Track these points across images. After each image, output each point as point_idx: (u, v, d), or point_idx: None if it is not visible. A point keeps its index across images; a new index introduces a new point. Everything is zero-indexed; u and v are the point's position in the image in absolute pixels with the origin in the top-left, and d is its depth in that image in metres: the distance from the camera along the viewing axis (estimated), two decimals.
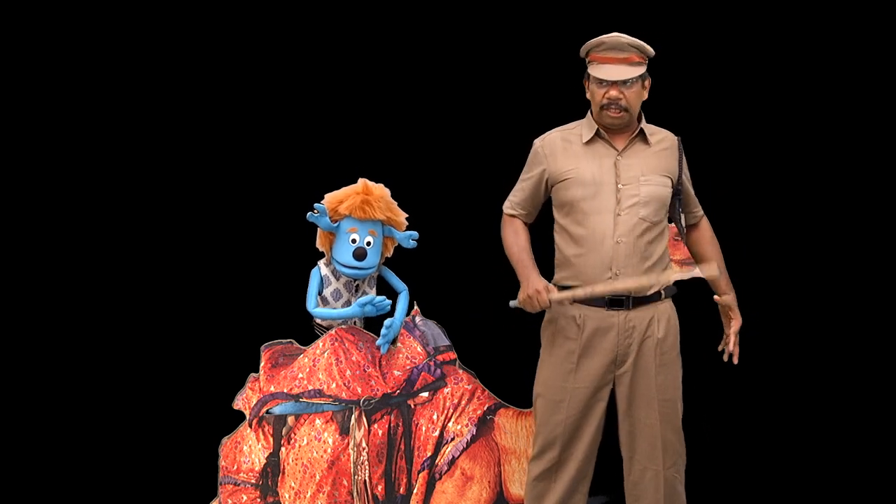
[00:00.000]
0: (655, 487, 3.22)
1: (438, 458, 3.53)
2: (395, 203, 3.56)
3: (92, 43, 4.37)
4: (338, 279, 3.57)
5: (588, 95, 3.24)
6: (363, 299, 3.48)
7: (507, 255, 3.33)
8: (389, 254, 3.61)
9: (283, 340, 3.56)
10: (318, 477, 3.44)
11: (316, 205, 3.46)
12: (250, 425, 3.50)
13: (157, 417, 4.29)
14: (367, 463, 3.46)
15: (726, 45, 4.34)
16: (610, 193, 3.18)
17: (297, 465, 3.45)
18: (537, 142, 3.34)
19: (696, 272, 3.31)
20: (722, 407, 4.25)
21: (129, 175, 4.41)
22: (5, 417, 4.31)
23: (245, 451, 3.49)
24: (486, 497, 3.55)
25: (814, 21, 4.32)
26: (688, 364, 3.31)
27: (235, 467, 3.49)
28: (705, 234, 3.39)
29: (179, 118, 4.42)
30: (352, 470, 3.46)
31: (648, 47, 3.18)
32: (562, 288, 3.23)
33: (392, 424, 3.51)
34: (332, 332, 3.53)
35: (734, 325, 3.31)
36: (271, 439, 3.48)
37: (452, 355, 3.60)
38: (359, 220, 3.49)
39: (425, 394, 3.55)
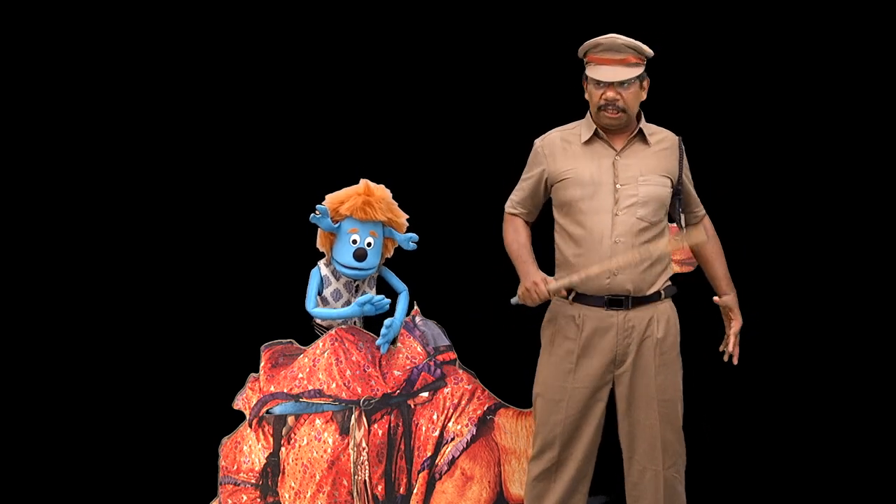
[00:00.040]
0: (655, 488, 3.22)
1: (438, 458, 3.53)
2: (396, 204, 3.56)
3: (92, 43, 4.37)
4: (338, 279, 3.57)
5: (587, 96, 3.25)
6: (362, 298, 3.48)
7: (508, 253, 3.34)
8: (390, 254, 3.61)
9: (283, 340, 3.56)
10: (318, 477, 3.44)
11: (318, 206, 3.46)
12: (250, 425, 3.50)
13: (157, 417, 4.29)
14: (367, 463, 3.46)
15: (726, 45, 4.34)
16: (608, 193, 3.18)
17: (297, 465, 3.45)
18: (537, 142, 3.35)
19: (686, 244, 3.28)
20: (722, 407, 4.25)
21: (130, 176, 4.42)
22: (6, 418, 4.31)
23: (245, 451, 3.49)
24: (486, 497, 3.55)
25: (814, 21, 4.32)
26: (688, 364, 3.31)
27: (235, 467, 3.49)
28: (707, 233, 3.39)
29: (180, 119, 4.42)
30: (352, 470, 3.46)
31: (646, 48, 3.17)
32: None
33: (392, 424, 3.51)
34: (332, 332, 3.53)
35: (734, 325, 3.31)
36: (271, 439, 3.48)
37: (452, 355, 3.60)
38: (360, 220, 3.49)
39: (425, 394, 3.55)
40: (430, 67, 4.42)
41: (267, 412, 3.49)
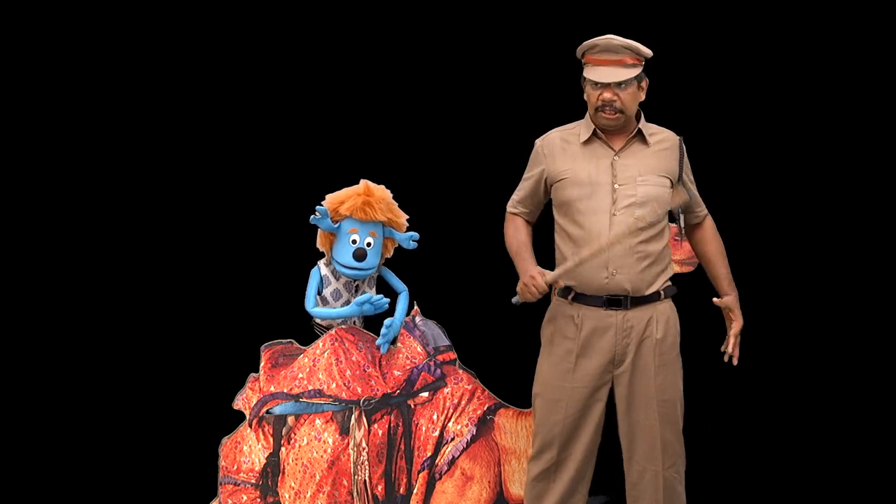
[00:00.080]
0: (655, 488, 3.22)
1: (438, 458, 3.53)
2: (396, 204, 3.56)
3: (92, 44, 4.37)
4: (337, 279, 3.57)
5: (585, 97, 3.25)
6: (361, 298, 3.48)
7: (508, 252, 3.34)
8: (389, 254, 3.61)
9: (283, 340, 3.56)
10: (318, 477, 3.44)
11: (317, 207, 3.47)
12: (250, 425, 3.50)
13: (157, 417, 4.29)
14: (367, 463, 3.46)
15: (726, 45, 4.33)
16: (606, 194, 3.18)
17: (297, 465, 3.45)
18: (538, 142, 3.35)
19: (677, 200, 3.25)
20: (722, 407, 4.25)
21: (130, 176, 4.42)
22: (6, 418, 4.31)
23: (245, 451, 3.49)
24: (486, 497, 3.55)
25: (814, 21, 4.32)
26: (688, 364, 3.31)
27: (235, 467, 3.49)
28: (708, 233, 3.39)
29: (180, 119, 4.42)
30: (352, 470, 3.46)
31: (643, 48, 3.17)
32: (562, 288, 3.24)
33: (392, 424, 3.51)
34: (332, 332, 3.53)
35: (735, 326, 3.31)
36: (271, 439, 3.48)
37: (452, 355, 3.60)
38: (359, 220, 3.49)
39: (425, 394, 3.55)
40: (431, 68, 4.42)
41: (267, 412, 3.49)
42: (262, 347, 3.54)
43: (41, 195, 4.38)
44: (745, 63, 4.35)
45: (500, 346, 4.02)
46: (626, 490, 3.29)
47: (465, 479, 3.53)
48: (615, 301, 3.18)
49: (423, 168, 4.28)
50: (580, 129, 3.28)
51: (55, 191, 4.39)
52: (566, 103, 3.41)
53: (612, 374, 3.22)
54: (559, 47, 3.42)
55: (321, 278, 3.57)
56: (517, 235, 3.34)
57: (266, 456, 3.48)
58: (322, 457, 3.45)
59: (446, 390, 3.56)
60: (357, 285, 3.58)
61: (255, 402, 3.50)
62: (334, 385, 3.47)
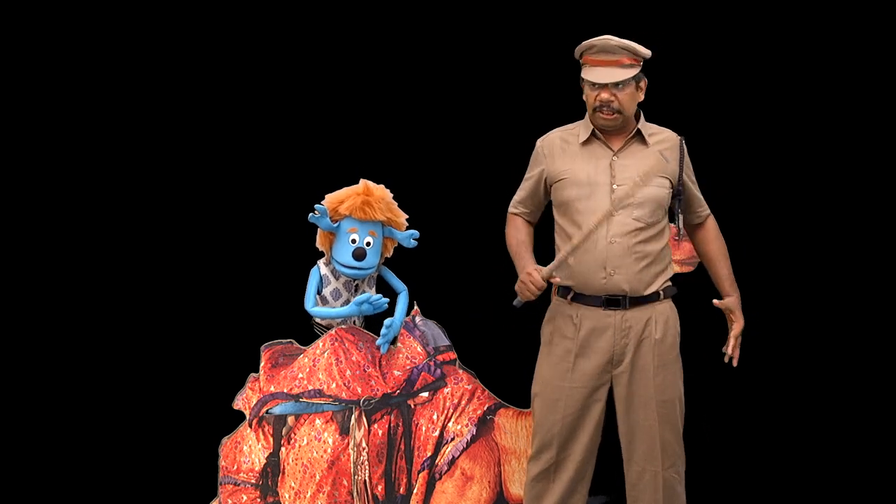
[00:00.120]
0: (654, 488, 3.22)
1: (438, 458, 3.53)
2: (396, 204, 3.56)
3: (92, 44, 4.37)
4: (337, 279, 3.57)
5: (584, 97, 3.25)
6: (360, 298, 3.48)
7: (509, 252, 3.35)
8: (389, 254, 3.61)
9: (283, 340, 3.56)
10: (318, 477, 3.44)
11: (316, 206, 3.47)
12: (250, 425, 3.50)
13: (157, 417, 4.29)
14: (367, 463, 3.46)
15: (726, 45, 4.33)
16: (604, 194, 3.17)
17: (297, 465, 3.45)
18: (538, 142, 3.36)
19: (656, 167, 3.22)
20: (722, 407, 4.25)
21: (130, 176, 4.42)
22: (6, 418, 4.31)
23: (245, 451, 3.49)
24: (486, 497, 3.55)
25: (814, 21, 4.32)
26: (689, 365, 3.31)
27: (235, 467, 3.49)
28: (710, 233, 3.38)
29: (180, 119, 4.42)
30: (352, 470, 3.46)
31: (641, 49, 3.16)
32: (562, 288, 3.24)
33: (392, 424, 3.51)
34: (332, 332, 3.53)
35: (736, 328, 3.30)
36: (271, 439, 3.48)
37: (452, 355, 3.60)
38: (359, 220, 3.49)
39: (425, 394, 3.55)
40: (431, 68, 4.42)
41: (267, 412, 3.49)
42: (262, 347, 3.54)
43: (41, 196, 4.38)
44: (746, 63, 4.35)
45: (500, 346, 4.02)
46: (626, 490, 3.29)
47: (465, 479, 3.53)
48: (613, 301, 3.18)
49: (423, 168, 4.28)
50: (580, 129, 3.28)
51: (55, 191, 4.39)
52: (567, 103, 3.41)
53: (611, 375, 3.22)
54: (560, 47, 3.42)
55: (321, 278, 3.57)
56: (517, 235, 3.35)
57: (266, 456, 3.48)
58: (322, 457, 3.45)
59: (446, 390, 3.56)
60: (357, 285, 3.58)
61: (255, 402, 3.50)
62: (334, 385, 3.47)
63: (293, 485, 3.45)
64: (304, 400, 3.47)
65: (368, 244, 3.51)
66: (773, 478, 4.21)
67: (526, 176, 3.38)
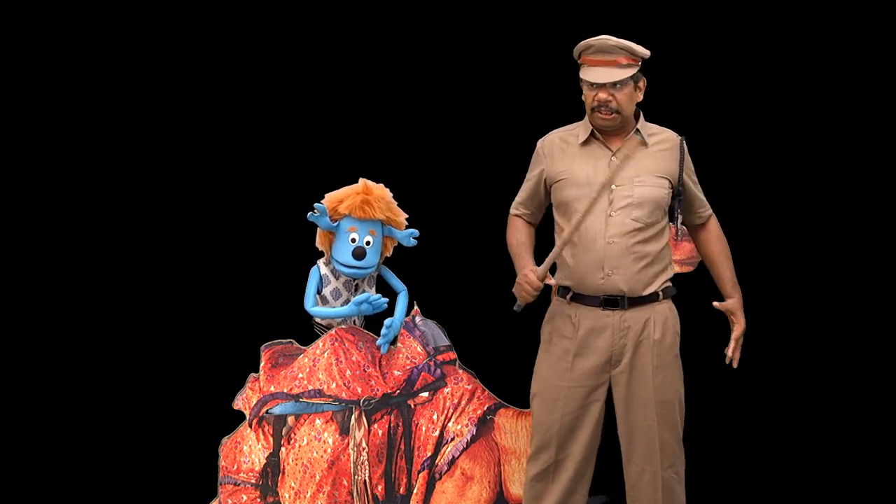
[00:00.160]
0: (653, 488, 3.22)
1: (438, 458, 3.53)
2: (395, 203, 3.56)
3: (92, 44, 4.37)
4: (337, 278, 3.57)
5: (583, 97, 3.24)
6: (359, 297, 3.48)
7: (509, 253, 3.35)
8: (389, 253, 3.61)
9: (283, 340, 3.56)
10: (318, 477, 3.44)
11: (316, 204, 3.47)
12: (250, 425, 3.50)
13: (157, 417, 4.29)
14: (367, 463, 3.46)
15: (726, 45, 4.33)
16: (603, 194, 3.17)
17: (297, 465, 3.45)
18: (539, 142, 3.36)
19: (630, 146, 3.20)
20: (722, 408, 4.25)
21: (130, 176, 4.42)
22: (6, 418, 4.31)
23: (245, 451, 3.49)
24: (486, 497, 3.55)
25: (814, 20, 4.32)
26: (689, 365, 3.31)
27: (235, 467, 3.49)
28: (712, 234, 3.38)
29: (180, 119, 4.42)
30: (352, 470, 3.46)
31: (639, 48, 3.16)
32: (561, 288, 3.24)
33: (392, 424, 3.51)
34: (332, 332, 3.53)
35: (737, 329, 3.29)
36: (271, 439, 3.48)
37: (452, 355, 3.60)
38: (358, 219, 3.49)
39: (425, 394, 3.55)
40: (431, 68, 4.42)
41: (267, 412, 3.49)
42: (262, 347, 3.54)
43: (41, 196, 4.38)
44: (746, 63, 4.35)
45: (500, 346, 4.01)
46: (626, 490, 3.29)
47: (465, 479, 3.53)
48: (612, 301, 3.17)
49: (423, 168, 4.28)
50: (579, 129, 3.28)
51: (55, 191, 4.39)
52: (567, 104, 3.41)
53: (610, 375, 3.22)
54: (559, 47, 3.41)
55: (321, 277, 3.57)
56: (517, 236, 3.36)
57: (266, 456, 3.48)
58: (322, 457, 3.45)
59: (446, 390, 3.56)
60: (356, 284, 3.58)
61: (255, 402, 3.50)
62: (334, 385, 3.47)
63: (293, 485, 3.45)
64: (304, 400, 3.47)
65: (368, 243, 3.50)
66: (773, 478, 4.21)
67: (526, 177, 3.38)
